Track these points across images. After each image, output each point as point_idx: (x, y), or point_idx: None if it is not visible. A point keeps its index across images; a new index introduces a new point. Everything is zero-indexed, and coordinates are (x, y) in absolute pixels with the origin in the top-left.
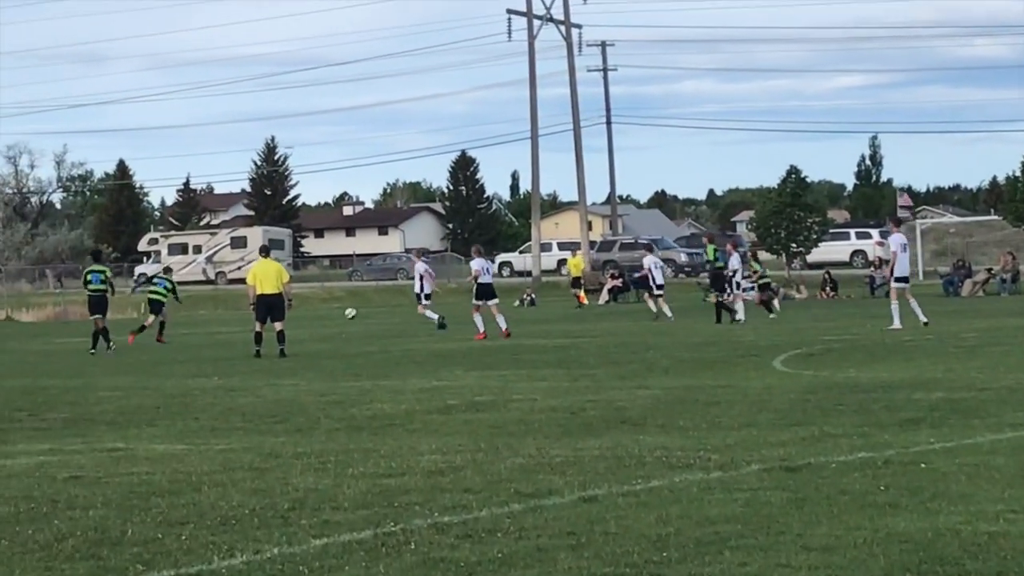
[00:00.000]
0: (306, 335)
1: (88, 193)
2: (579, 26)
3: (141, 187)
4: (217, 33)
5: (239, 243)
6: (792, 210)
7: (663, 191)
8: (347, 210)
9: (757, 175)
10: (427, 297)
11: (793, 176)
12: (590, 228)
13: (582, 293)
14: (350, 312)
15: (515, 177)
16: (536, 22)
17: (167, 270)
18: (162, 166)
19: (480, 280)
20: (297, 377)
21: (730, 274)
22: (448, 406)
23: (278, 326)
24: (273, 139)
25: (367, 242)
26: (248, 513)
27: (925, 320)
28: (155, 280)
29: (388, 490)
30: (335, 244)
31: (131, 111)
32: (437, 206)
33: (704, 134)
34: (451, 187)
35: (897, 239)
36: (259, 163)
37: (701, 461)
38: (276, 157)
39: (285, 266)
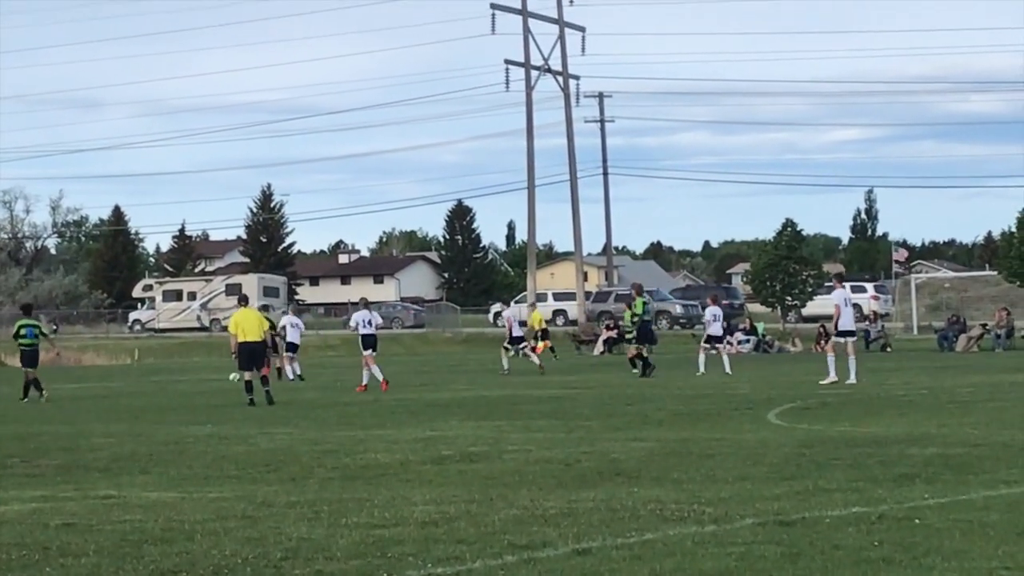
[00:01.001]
0: (300, 384)
1: (83, 238)
2: (577, 77)
3: (136, 233)
4: (213, 80)
5: (234, 290)
6: (788, 263)
7: (659, 242)
8: (343, 258)
9: (753, 228)
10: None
11: (789, 229)
12: (586, 279)
13: (540, 345)
14: (234, 376)
15: (511, 227)
16: (534, 73)
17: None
18: (157, 212)
19: (361, 331)
20: (291, 426)
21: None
22: (442, 456)
23: (262, 372)
24: (269, 186)
25: (362, 290)
26: (241, 562)
27: (854, 381)
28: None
29: (382, 540)
30: (330, 292)
31: (127, 157)
32: (433, 255)
33: (700, 186)
34: (447, 236)
35: (839, 294)
36: (255, 210)
37: (695, 514)
38: (272, 204)
39: (280, 314)
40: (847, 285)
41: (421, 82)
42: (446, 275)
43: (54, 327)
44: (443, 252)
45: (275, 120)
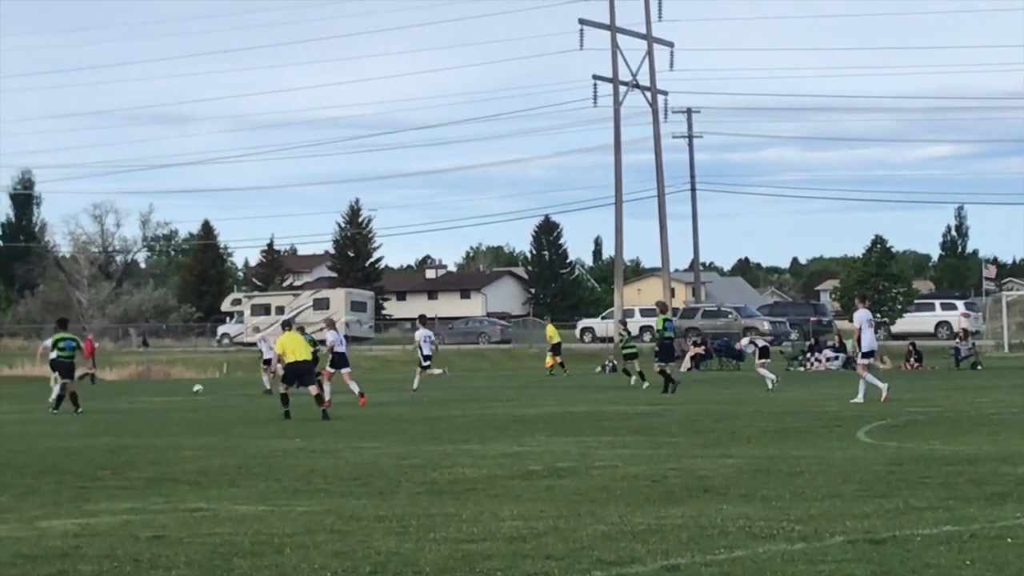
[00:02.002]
0: (388, 398)
1: (172, 252)
2: (665, 93)
3: (225, 247)
4: (300, 96)
5: (322, 305)
6: (877, 280)
7: (747, 259)
8: (429, 273)
9: (842, 244)
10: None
11: (878, 246)
12: (673, 295)
13: (548, 359)
14: (197, 388)
15: (598, 243)
16: (622, 88)
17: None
18: (246, 227)
19: (335, 350)
20: (379, 440)
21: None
22: (530, 471)
23: (313, 390)
24: (357, 201)
25: (449, 305)
26: None
27: (860, 400)
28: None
29: (470, 555)
30: (417, 307)
31: (216, 172)
32: (519, 270)
33: (788, 202)
34: (534, 252)
35: (862, 315)
36: (343, 225)
37: (785, 532)
38: (360, 219)
39: (367, 328)
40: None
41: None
42: (533, 290)
43: (142, 340)
44: (530, 267)
45: (363, 135)
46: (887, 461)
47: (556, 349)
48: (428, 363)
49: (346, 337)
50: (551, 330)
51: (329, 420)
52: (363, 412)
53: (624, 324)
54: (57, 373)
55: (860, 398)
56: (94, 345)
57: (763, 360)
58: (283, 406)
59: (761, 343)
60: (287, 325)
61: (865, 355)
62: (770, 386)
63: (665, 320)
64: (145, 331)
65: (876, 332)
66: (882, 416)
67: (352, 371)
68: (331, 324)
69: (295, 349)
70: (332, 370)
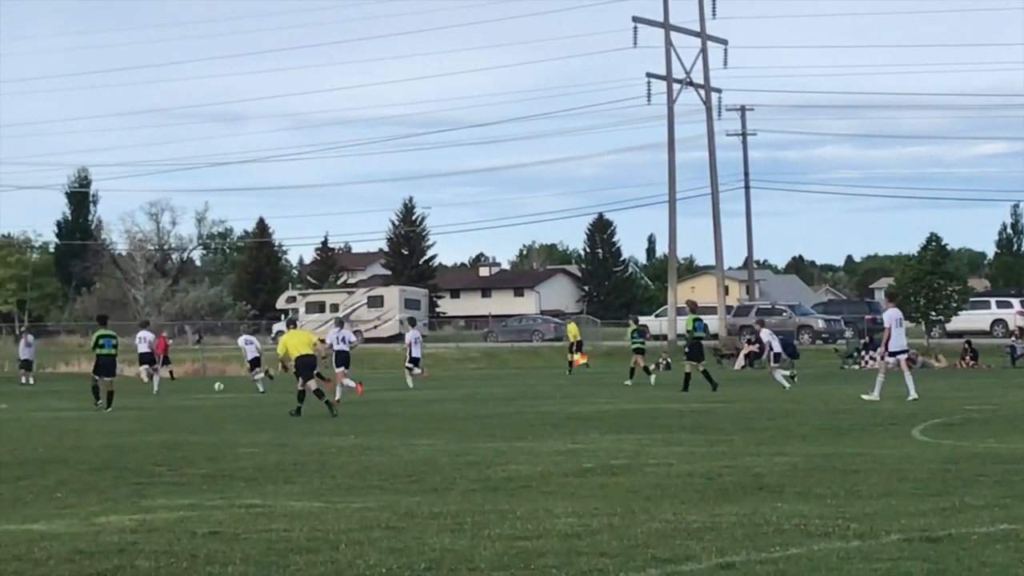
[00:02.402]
0: (441, 395)
1: (228, 250)
2: (719, 90)
3: (280, 245)
4: (354, 94)
5: (376, 302)
6: (932, 278)
7: (801, 256)
8: (483, 271)
9: (896, 242)
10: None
11: (933, 243)
12: (727, 293)
13: (577, 358)
14: (218, 386)
15: (651, 240)
16: (676, 86)
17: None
18: (300, 225)
19: (336, 348)
20: (433, 437)
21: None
22: (584, 469)
23: (311, 385)
24: (411, 199)
25: (503, 303)
26: (385, 572)
27: (914, 396)
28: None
29: (524, 552)
30: (471, 305)
31: (271, 170)
32: (573, 268)
33: (843, 200)
34: (587, 249)
35: (891, 314)
36: (396, 223)
37: (840, 530)
38: (413, 217)
39: (421, 326)
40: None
41: (563, 95)
42: (586, 288)
43: (197, 338)
44: (583, 265)
45: (418, 133)
46: (942, 459)
47: (579, 347)
48: (414, 364)
49: (343, 338)
50: (573, 328)
51: (336, 417)
52: (417, 411)
53: (636, 321)
54: (98, 373)
55: (876, 398)
56: (168, 342)
57: (775, 364)
58: (298, 402)
59: (776, 347)
60: (292, 324)
61: (892, 354)
62: (787, 386)
63: (695, 320)
64: (200, 328)
65: (932, 330)
66: (937, 414)
67: (348, 371)
68: (339, 322)
69: (301, 345)
70: (338, 369)
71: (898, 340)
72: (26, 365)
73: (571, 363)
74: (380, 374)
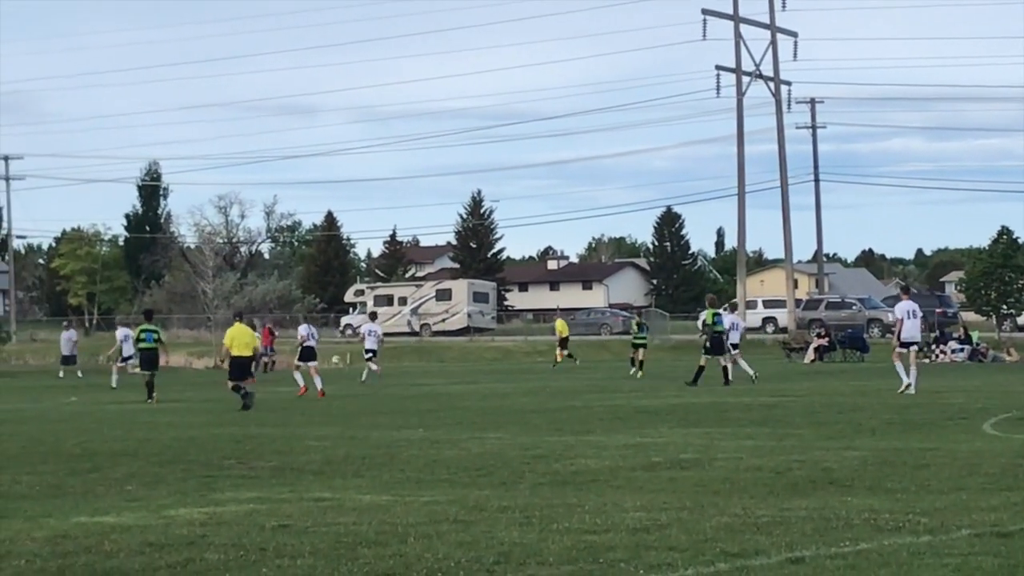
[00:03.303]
0: (510, 389)
1: (296, 243)
2: (788, 83)
3: (348, 238)
4: (423, 87)
5: (444, 295)
6: (1003, 271)
7: (870, 250)
8: (551, 264)
9: (967, 235)
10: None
11: (1004, 236)
12: (796, 286)
13: (559, 352)
14: (336, 359)
15: (720, 233)
16: (745, 78)
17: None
18: (369, 218)
19: (305, 344)
20: (501, 431)
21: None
22: (652, 463)
23: (248, 383)
24: (479, 192)
25: (571, 296)
26: (454, 566)
27: (910, 385)
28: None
29: (593, 546)
30: (539, 298)
31: (339, 163)
32: (641, 261)
33: (913, 193)
34: (656, 242)
35: (902, 306)
36: (465, 216)
37: (910, 524)
38: (482, 210)
39: (489, 319)
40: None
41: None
42: (655, 281)
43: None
44: (652, 259)
45: (486, 126)
46: (1014, 454)
47: (564, 343)
48: (370, 356)
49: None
50: (561, 324)
51: (250, 410)
52: (485, 404)
53: (640, 315)
54: (139, 364)
55: (908, 382)
56: (273, 334)
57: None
58: (241, 398)
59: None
60: (238, 316)
61: (903, 344)
62: (743, 373)
63: (714, 314)
64: (269, 322)
65: (1003, 323)
66: (1008, 408)
67: (319, 365)
68: (305, 318)
69: (240, 344)
70: (300, 363)
71: (911, 331)
72: (65, 360)
73: (571, 355)
74: (449, 367)
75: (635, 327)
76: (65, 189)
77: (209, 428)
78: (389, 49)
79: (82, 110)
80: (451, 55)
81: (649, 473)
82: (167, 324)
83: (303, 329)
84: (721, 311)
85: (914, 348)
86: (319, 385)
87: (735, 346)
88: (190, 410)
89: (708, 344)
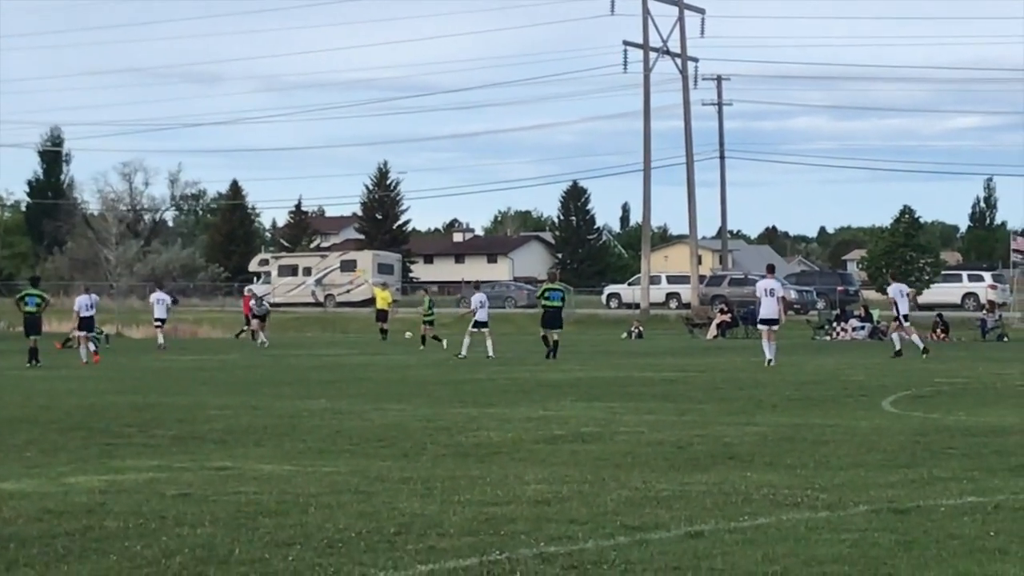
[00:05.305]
0: (413, 361)
1: (201, 212)
2: (695, 60)
3: (253, 208)
4: (329, 57)
5: (349, 266)
6: (904, 250)
7: (774, 227)
8: (457, 237)
9: (870, 214)
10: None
11: (906, 216)
12: (700, 262)
13: (385, 325)
14: (408, 335)
15: (626, 209)
16: (652, 54)
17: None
18: (274, 187)
19: (82, 314)
20: (404, 402)
21: None
22: (555, 436)
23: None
24: (386, 164)
25: (476, 269)
26: (354, 536)
27: (774, 363)
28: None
29: (494, 518)
30: (444, 271)
31: (244, 132)
32: (547, 235)
33: (817, 171)
34: (561, 217)
35: (761, 284)
36: (371, 187)
37: (809, 500)
38: (388, 182)
39: (394, 291)
40: (773, 276)
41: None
42: (560, 256)
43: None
44: (557, 233)
45: (392, 98)
46: (912, 431)
47: (383, 316)
48: (159, 324)
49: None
50: (382, 295)
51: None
52: (388, 376)
53: (427, 292)
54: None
55: (769, 357)
56: (252, 303)
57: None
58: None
59: (904, 308)
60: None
61: (761, 322)
62: (920, 345)
63: (546, 290)
64: (172, 290)
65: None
66: (907, 386)
67: (88, 335)
68: (86, 288)
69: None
70: (80, 332)
71: (767, 309)
72: None
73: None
74: (352, 337)
75: (426, 304)
76: None
77: (110, 396)
78: (294, 19)
79: None
80: (357, 25)
81: (551, 446)
82: (69, 291)
83: (83, 299)
84: (558, 288)
85: (773, 327)
86: (93, 348)
87: (906, 317)
88: (91, 377)
89: (543, 317)
